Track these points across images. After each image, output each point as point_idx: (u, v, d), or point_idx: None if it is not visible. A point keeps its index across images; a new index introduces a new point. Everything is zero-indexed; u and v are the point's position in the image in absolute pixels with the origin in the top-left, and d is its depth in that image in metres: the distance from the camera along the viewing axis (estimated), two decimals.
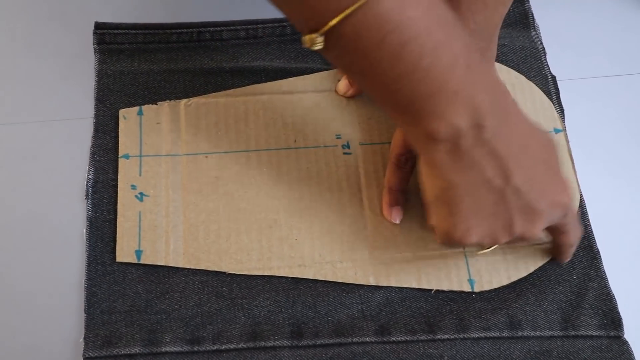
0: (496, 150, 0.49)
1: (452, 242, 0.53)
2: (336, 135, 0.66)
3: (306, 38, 0.45)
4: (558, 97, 0.69)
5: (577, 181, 0.65)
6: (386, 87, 0.48)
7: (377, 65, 0.46)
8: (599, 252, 0.62)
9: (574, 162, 0.66)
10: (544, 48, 0.72)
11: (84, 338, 0.58)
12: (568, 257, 0.61)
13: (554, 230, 0.57)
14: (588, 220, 0.64)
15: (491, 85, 0.49)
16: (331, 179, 0.64)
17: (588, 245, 0.63)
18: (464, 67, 0.46)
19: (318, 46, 0.45)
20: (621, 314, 0.61)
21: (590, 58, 0.73)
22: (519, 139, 0.51)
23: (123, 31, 0.71)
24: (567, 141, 0.67)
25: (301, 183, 0.64)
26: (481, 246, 0.57)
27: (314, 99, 0.68)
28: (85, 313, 0.59)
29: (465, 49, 0.47)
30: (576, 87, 0.71)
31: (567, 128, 0.68)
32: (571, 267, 0.62)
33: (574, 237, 0.58)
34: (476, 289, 0.61)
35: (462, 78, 0.46)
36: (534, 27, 0.73)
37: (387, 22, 0.43)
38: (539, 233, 0.54)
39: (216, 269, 0.61)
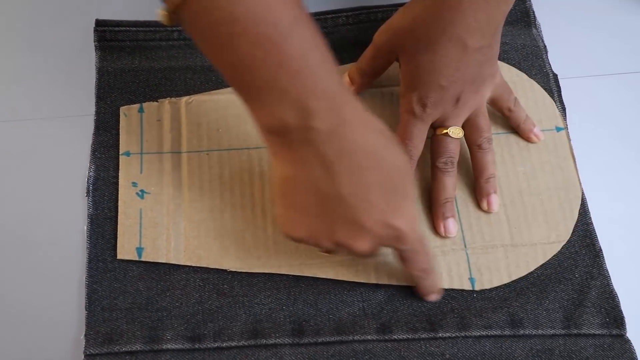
0: (325, 154, 0.49)
1: (282, 233, 0.54)
2: None
3: (159, 12, 0.47)
4: (559, 95, 0.69)
5: (579, 179, 0.65)
6: (225, 72, 0.49)
7: (213, 51, 0.48)
8: (601, 250, 0.62)
9: (576, 160, 0.66)
10: (545, 46, 0.72)
11: (85, 335, 0.58)
12: (423, 291, 0.60)
13: (399, 256, 0.57)
14: (590, 218, 0.64)
15: (336, 95, 0.49)
16: None
17: (590, 243, 0.63)
18: (295, 70, 0.47)
19: (164, 21, 0.47)
20: (624, 312, 0.60)
21: (592, 56, 0.73)
22: (357, 153, 0.50)
23: (124, 28, 0.71)
24: (569, 139, 0.67)
25: None
26: (313, 245, 0.55)
27: None
28: (86, 310, 0.59)
29: (304, 53, 0.47)
30: (578, 86, 0.71)
31: (568, 126, 0.67)
32: (573, 266, 0.62)
33: (416, 269, 0.57)
34: (477, 288, 0.60)
35: (293, 80, 0.47)
36: (535, 25, 0.73)
37: (216, 14, 0.45)
38: (367, 250, 0.53)
39: (217, 267, 0.61)
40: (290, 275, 0.61)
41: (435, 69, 0.59)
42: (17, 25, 0.73)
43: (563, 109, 0.68)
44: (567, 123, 0.68)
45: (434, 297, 0.60)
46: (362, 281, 0.61)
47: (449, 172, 0.62)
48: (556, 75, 0.70)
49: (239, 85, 0.49)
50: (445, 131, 0.61)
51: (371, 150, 0.51)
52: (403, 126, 0.61)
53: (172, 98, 0.67)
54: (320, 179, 0.50)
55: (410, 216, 0.54)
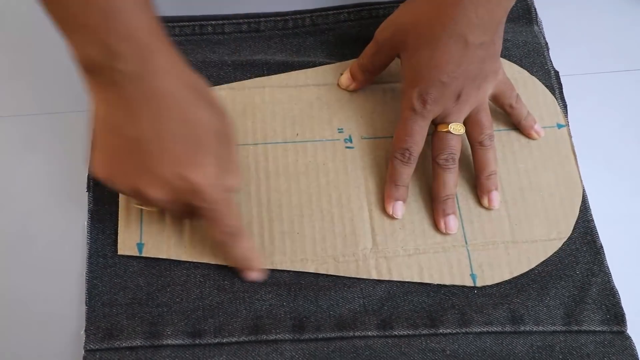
0: (129, 97, 0.50)
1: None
2: (338, 129, 0.66)
3: None
4: (561, 92, 0.69)
5: (580, 176, 0.65)
6: (43, 3, 0.48)
7: None
8: (602, 247, 0.62)
9: (577, 157, 0.66)
10: (546, 43, 0.72)
11: (85, 330, 0.58)
12: (236, 264, 0.60)
13: (202, 218, 0.56)
14: (590, 215, 0.64)
15: (145, 41, 0.49)
16: (333, 172, 0.64)
17: (591, 240, 0.63)
18: (103, 9, 0.47)
19: None
20: (624, 309, 0.60)
21: (594, 53, 0.73)
22: (160, 101, 0.51)
23: None
24: (570, 136, 0.67)
25: (302, 177, 0.64)
26: (114, 188, 0.55)
27: (316, 93, 0.68)
28: (86, 305, 0.59)
29: None
30: (579, 83, 0.71)
31: (569, 123, 0.67)
32: (574, 262, 0.62)
33: (219, 232, 0.57)
34: (478, 284, 0.60)
35: (100, 19, 0.47)
36: (537, 22, 0.73)
37: None
38: (160, 198, 0.53)
39: (217, 262, 0.61)
40: (290, 271, 0.61)
41: (435, 65, 0.59)
42: (22, 22, 0.73)
43: (564, 106, 0.68)
44: (569, 120, 0.67)
45: (253, 276, 0.60)
46: (362, 277, 0.60)
47: (450, 169, 0.61)
48: (557, 72, 0.70)
49: (55, 18, 0.49)
50: (446, 128, 0.61)
51: (176, 100, 0.51)
52: (403, 122, 0.61)
53: None
54: (123, 121, 0.51)
55: (210, 173, 0.53)
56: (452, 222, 0.62)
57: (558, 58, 0.72)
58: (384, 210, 0.63)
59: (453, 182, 0.62)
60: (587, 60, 0.73)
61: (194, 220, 0.60)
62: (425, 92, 0.60)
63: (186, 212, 0.56)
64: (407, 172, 0.62)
